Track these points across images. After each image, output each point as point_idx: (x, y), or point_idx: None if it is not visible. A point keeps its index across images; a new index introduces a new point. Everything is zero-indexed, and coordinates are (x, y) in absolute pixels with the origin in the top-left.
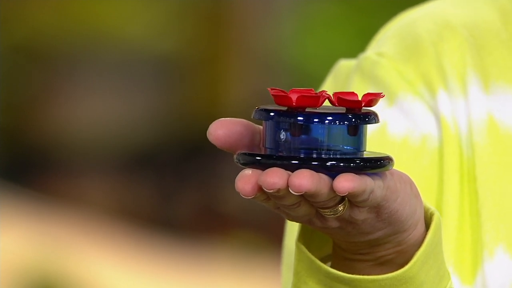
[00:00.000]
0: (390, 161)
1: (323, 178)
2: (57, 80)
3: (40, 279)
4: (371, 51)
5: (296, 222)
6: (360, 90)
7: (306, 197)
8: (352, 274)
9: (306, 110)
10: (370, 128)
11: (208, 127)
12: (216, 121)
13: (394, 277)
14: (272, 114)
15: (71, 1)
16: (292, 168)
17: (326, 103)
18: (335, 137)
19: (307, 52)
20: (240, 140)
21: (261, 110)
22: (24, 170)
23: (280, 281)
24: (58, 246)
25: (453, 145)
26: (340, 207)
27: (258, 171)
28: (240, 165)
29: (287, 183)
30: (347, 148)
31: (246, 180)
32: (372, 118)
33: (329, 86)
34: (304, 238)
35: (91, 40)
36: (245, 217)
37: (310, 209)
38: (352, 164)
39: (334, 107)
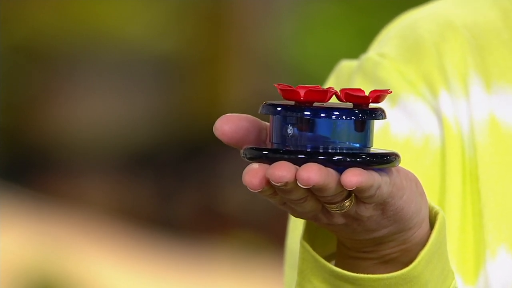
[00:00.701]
0: (397, 158)
1: (331, 172)
2: (57, 80)
3: (40, 279)
4: (373, 52)
5: (302, 218)
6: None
7: (313, 191)
8: (356, 272)
9: (314, 105)
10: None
11: (208, 127)
12: (223, 116)
13: (398, 276)
14: (279, 108)
15: (71, 1)
16: (299, 163)
17: (334, 99)
18: (342, 132)
19: (307, 52)
20: (246, 136)
21: (268, 105)
22: (24, 170)
23: (282, 281)
24: (58, 246)
25: (455, 145)
26: (347, 203)
27: (266, 165)
28: (246, 159)
29: (295, 176)
30: (354, 143)
31: (254, 173)
32: (379, 114)
33: (331, 86)
34: (308, 236)
35: (91, 40)
36: (245, 217)
37: (317, 205)
38: (358, 159)
39: (342, 102)
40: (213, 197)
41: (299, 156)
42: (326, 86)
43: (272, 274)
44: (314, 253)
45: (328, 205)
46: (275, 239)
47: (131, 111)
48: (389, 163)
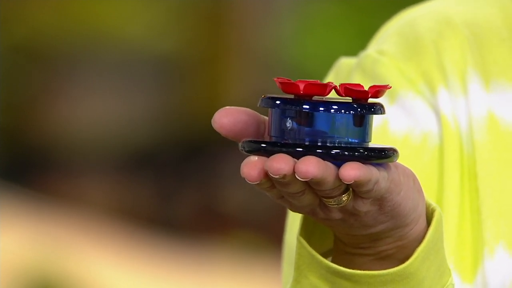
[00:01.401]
0: (395, 153)
1: (329, 165)
2: (57, 80)
3: (40, 279)
4: (372, 49)
5: (299, 212)
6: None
7: (311, 185)
8: (353, 268)
9: (313, 99)
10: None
11: (208, 127)
12: (221, 109)
13: (394, 272)
14: (278, 102)
15: (71, 1)
16: (297, 156)
17: (333, 94)
18: (340, 126)
19: (307, 52)
20: (245, 129)
21: (267, 98)
22: (24, 170)
23: (280, 280)
24: (58, 246)
25: (453, 143)
26: (344, 197)
27: (264, 158)
28: (244, 152)
29: (293, 169)
30: (353, 138)
31: (252, 165)
32: (378, 108)
33: None
34: (305, 232)
35: (91, 40)
36: (245, 217)
37: (314, 199)
38: (356, 153)
39: (341, 97)
40: (213, 197)
41: (297, 149)
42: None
43: (272, 274)
44: (310, 249)
45: (325, 199)
46: (275, 239)
47: (131, 111)
48: (387, 158)
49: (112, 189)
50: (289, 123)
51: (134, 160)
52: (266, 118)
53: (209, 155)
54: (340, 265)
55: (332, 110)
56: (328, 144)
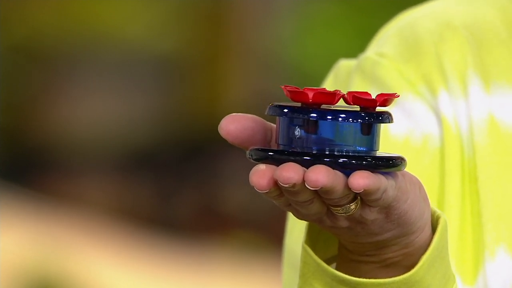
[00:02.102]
0: (403, 161)
1: (339, 174)
2: (57, 80)
3: (40, 279)
4: (371, 51)
5: (306, 220)
6: (361, 90)
7: (320, 194)
8: (358, 276)
9: (321, 107)
10: None
11: (208, 127)
12: (228, 115)
13: (400, 280)
14: (286, 110)
15: (71, 1)
16: (305, 164)
17: (341, 102)
18: (348, 134)
19: (307, 52)
20: (252, 136)
21: (275, 106)
22: (24, 170)
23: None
24: (58, 246)
25: (454, 145)
26: (352, 206)
27: (273, 166)
28: (252, 160)
29: (303, 178)
30: (360, 146)
31: (261, 174)
32: (386, 117)
33: (330, 85)
34: (310, 240)
35: (91, 40)
36: (245, 217)
37: (322, 207)
38: (364, 162)
39: (349, 105)
40: (213, 197)
41: (305, 157)
42: (324, 86)
43: (272, 274)
44: (316, 257)
45: (333, 208)
46: (275, 239)
47: (131, 111)
48: (395, 166)
49: (112, 189)
50: (297, 132)
51: (134, 160)
52: (273, 125)
53: (209, 155)
54: (345, 273)
55: (340, 119)
56: (336, 153)
